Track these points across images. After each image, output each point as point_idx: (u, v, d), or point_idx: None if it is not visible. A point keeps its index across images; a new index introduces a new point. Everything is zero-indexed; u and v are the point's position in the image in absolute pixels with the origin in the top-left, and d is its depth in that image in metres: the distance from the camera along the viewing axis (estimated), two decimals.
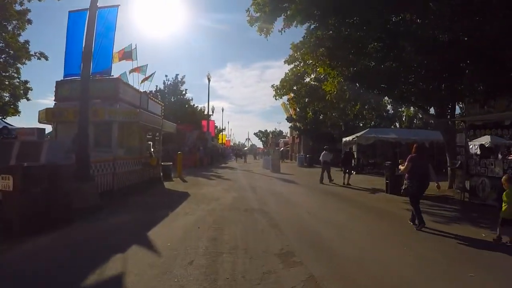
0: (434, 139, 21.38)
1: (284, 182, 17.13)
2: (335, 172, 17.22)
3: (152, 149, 16.07)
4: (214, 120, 55.66)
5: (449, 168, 13.44)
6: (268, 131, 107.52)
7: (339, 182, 15.87)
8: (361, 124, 37.34)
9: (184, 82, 38.59)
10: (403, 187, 7.65)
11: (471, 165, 10.52)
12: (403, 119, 43.50)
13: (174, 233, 6.44)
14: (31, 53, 18.89)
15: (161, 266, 4.63)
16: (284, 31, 12.68)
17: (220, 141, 65.61)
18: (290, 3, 11.00)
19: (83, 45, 9.02)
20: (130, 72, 16.55)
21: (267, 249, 5.49)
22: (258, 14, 12.12)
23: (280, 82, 19.52)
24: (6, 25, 17.54)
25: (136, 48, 15.95)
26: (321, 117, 34.05)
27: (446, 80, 12.01)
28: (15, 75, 19.17)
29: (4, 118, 19.51)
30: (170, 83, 37.82)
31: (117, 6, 11.00)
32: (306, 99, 24.78)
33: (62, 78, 11.18)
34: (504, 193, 6.01)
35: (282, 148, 55.04)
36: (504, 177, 6.30)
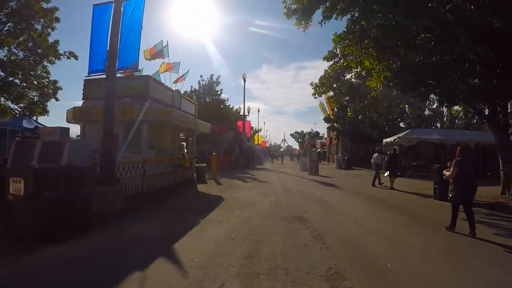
0: (479, 140, 20.17)
1: (323, 185, 15.92)
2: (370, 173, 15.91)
3: (185, 150, 15.45)
4: (250, 121, 55.19)
5: (502, 173, 11.84)
6: (304, 132, 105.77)
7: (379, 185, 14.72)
8: (401, 125, 35.59)
9: (219, 82, 38.01)
10: (450, 194, 7.01)
11: None
12: (444, 119, 40.87)
13: (204, 246, 5.52)
14: (60, 52, 18.88)
15: None
16: (324, 22, 11.68)
17: (256, 142, 65.01)
18: None
19: (108, 40, 8.39)
20: (160, 69, 15.89)
21: (312, 269, 4.51)
22: (295, 6, 11.22)
23: (320, 79, 18.19)
24: (34, 23, 17.54)
25: (167, 45, 15.28)
26: (360, 117, 32.56)
27: (501, 74, 10.78)
28: (44, 74, 19.17)
29: (31, 118, 19.64)
30: (205, 84, 37.37)
31: None
32: (347, 98, 23.38)
33: (87, 75, 10.62)
34: None
35: (319, 150, 53.44)
36: None
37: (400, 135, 21.87)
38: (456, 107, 22.05)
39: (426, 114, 38.37)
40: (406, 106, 29.20)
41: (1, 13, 16.77)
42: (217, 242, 5.75)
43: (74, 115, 10.88)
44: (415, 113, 35.95)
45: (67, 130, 9.04)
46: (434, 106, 30.14)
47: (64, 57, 19.22)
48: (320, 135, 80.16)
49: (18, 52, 18.02)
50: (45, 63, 18.90)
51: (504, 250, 5.59)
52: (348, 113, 27.42)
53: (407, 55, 11.29)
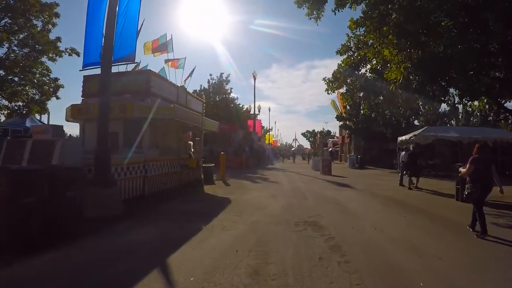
0: (497, 137, 19.24)
1: (337, 186, 15.09)
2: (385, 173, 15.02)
3: (192, 150, 14.78)
4: (260, 120, 54.49)
5: None
6: (316, 131, 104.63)
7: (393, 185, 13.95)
8: (415, 123, 34.57)
9: (229, 81, 37.24)
10: (466, 192, 6.87)
11: None
12: (459, 117, 39.58)
13: (203, 259, 4.78)
14: (61, 49, 18.35)
15: None
16: (338, 10, 10.99)
17: (267, 142, 64.31)
18: None
19: (104, 28, 7.73)
20: (166, 62, 15.16)
21: None
22: None
23: (333, 74, 17.31)
24: (32, 19, 17.00)
25: (172, 39, 14.52)
26: (373, 115, 31.63)
27: None
28: (45, 72, 18.61)
29: (32, 117, 19.07)
30: (215, 82, 36.70)
31: None
32: (361, 94, 22.53)
33: (82, 69, 9.96)
34: None
35: (331, 148, 52.43)
36: None
37: (416, 132, 21.08)
38: (475, 102, 21.19)
39: (441, 111, 37.29)
40: (420, 103, 28.26)
41: None
42: (219, 254, 5.01)
43: (72, 113, 10.29)
44: (430, 110, 34.90)
45: (60, 128, 8.42)
46: (454, 102, 29.00)
47: (66, 54, 18.68)
48: (332, 133, 79.28)
49: (13, 47, 17.52)
50: (46, 60, 18.41)
51: None
52: (363, 110, 26.52)
53: (429, 43, 10.49)
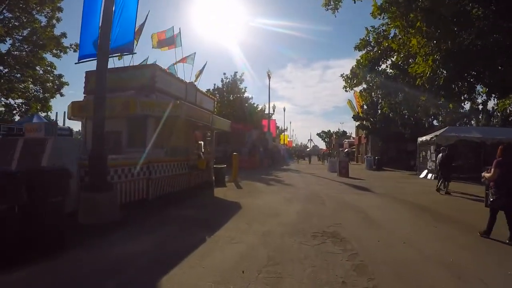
0: None
1: (357, 189, 14.13)
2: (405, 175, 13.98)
3: (203, 150, 14.03)
4: (275, 120, 53.65)
5: None
6: (331, 131, 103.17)
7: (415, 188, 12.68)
8: (435, 123, 33.34)
9: (243, 80, 36.45)
10: (491, 199, 6.37)
11: None
12: (480, 116, 37.95)
13: (201, 284, 3.96)
14: (66, 45, 17.84)
15: None
16: None
17: (282, 142, 63.44)
18: None
19: (101, 15, 7.04)
20: (173, 64, 14.39)
21: None
22: None
23: (351, 70, 16.34)
24: (34, 13, 16.52)
25: (180, 33, 13.71)
26: (391, 115, 30.48)
27: None
28: (49, 68, 18.11)
29: (37, 115, 18.61)
30: (229, 81, 35.98)
31: None
32: (380, 92, 21.49)
33: (77, 61, 9.23)
34: None
35: (347, 149, 51.20)
36: None
37: (437, 133, 20.35)
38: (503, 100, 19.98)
39: (462, 110, 35.88)
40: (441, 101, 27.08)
41: None
42: (222, 275, 4.17)
43: (73, 110, 9.66)
44: (449, 109, 33.58)
45: (54, 125, 7.76)
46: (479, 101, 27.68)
47: (71, 50, 18.19)
48: (348, 134, 78.03)
49: (16, 44, 17.06)
50: (49, 56, 17.93)
51: None
52: (384, 109, 25.42)
53: (459, 32, 9.55)
